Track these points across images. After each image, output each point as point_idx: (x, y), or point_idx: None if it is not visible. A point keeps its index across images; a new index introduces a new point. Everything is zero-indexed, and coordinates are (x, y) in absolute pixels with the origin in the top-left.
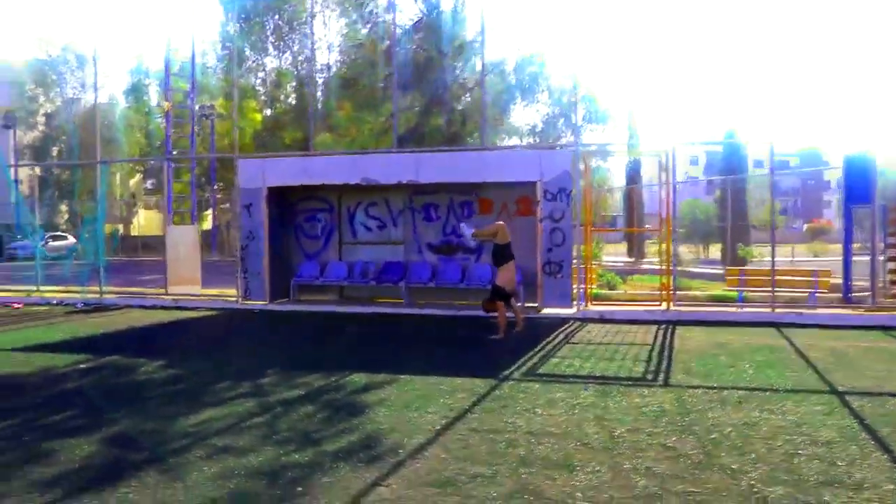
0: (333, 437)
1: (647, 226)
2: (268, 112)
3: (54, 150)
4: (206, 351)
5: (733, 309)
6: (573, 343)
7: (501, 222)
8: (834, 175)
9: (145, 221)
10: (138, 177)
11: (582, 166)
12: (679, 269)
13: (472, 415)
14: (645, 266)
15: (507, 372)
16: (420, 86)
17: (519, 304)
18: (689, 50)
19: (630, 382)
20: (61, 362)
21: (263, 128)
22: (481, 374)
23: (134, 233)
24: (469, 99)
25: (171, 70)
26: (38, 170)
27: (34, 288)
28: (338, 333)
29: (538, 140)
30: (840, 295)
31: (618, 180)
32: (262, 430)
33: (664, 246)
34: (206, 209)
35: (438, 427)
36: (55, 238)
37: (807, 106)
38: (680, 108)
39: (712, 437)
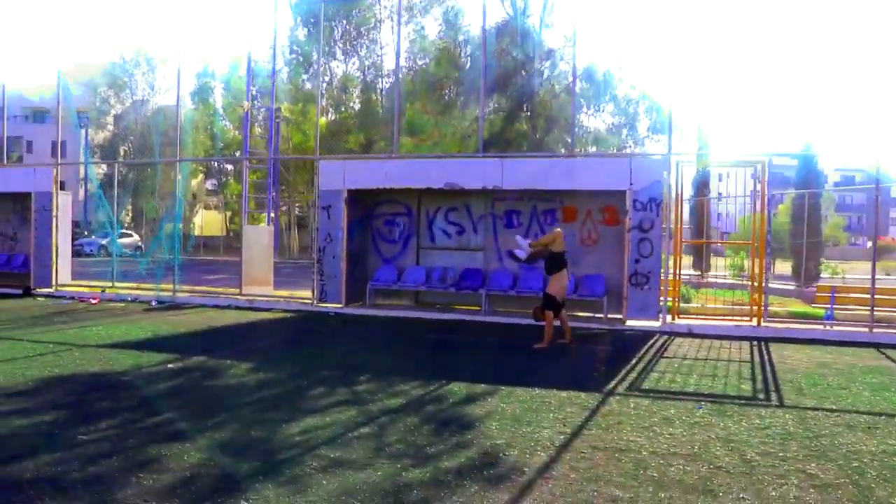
0: (450, 452)
1: (714, 238)
2: (331, 117)
3: (121, 150)
4: (290, 354)
5: (825, 327)
6: (667, 357)
7: (559, 229)
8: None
9: (205, 222)
10: (200, 177)
11: (672, 176)
12: (753, 284)
13: (588, 431)
14: (711, 279)
15: (609, 386)
16: (505, 90)
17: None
18: (755, 61)
19: (743, 401)
20: (149, 361)
21: (328, 132)
22: (583, 387)
23: (195, 233)
24: (552, 105)
25: (237, 73)
26: (104, 168)
27: (109, 284)
28: (421, 340)
29: (602, 148)
30: None
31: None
32: (372, 441)
33: (750, 261)
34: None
35: (558, 443)
36: (121, 236)
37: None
38: (746, 121)
39: (854, 465)
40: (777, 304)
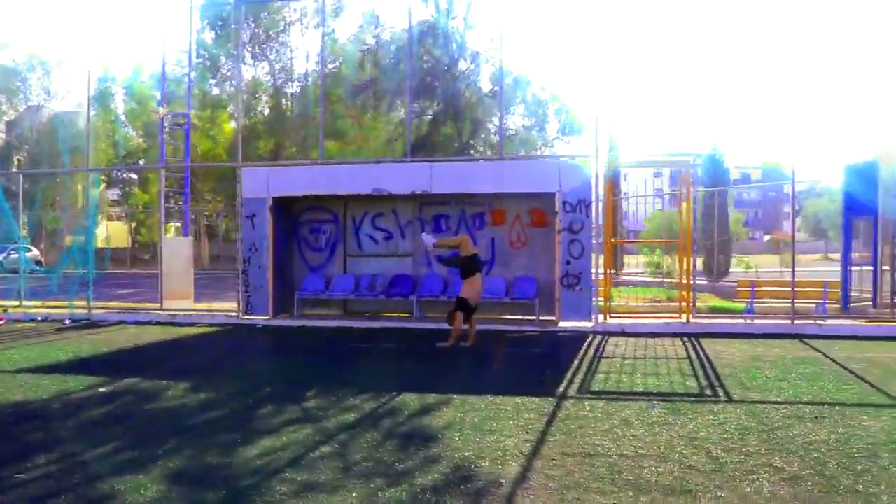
0: (421, 468)
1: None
2: (234, 124)
3: (15, 159)
4: (226, 371)
5: (746, 321)
6: (608, 358)
7: (465, 235)
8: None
9: (109, 233)
10: (102, 187)
11: (601, 177)
12: (668, 281)
13: (552, 437)
14: (624, 277)
15: (560, 389)
16: (429, 93)
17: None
18: (662, 62)
19: (693, 398)
20: (76, 385)
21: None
22: (534, 392)
23: (99, 244)
24: (478, 108)
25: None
26: None
27: (17, 303)
28: (356, 350)
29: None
30: (838, 305)
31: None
32: (337, 460)
33: (675, 258)
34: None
35: (526, 451)
36: (16, 251)
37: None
38: (651, 120)
39: (814, 455)
40: (697, 299)
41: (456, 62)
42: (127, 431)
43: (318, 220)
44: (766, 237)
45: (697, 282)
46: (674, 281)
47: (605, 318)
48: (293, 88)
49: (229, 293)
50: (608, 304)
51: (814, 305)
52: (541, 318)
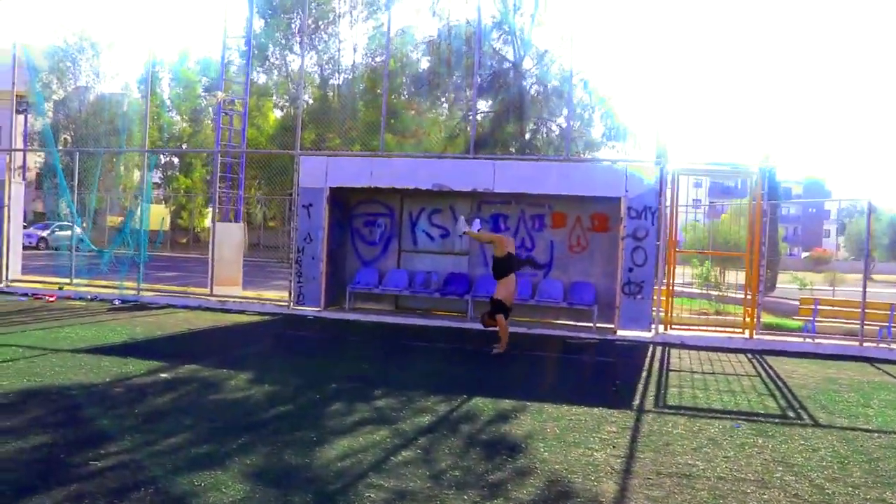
0: (514, 480)
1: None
2: (278, 113)
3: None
4: (286, 363)
5: (806, 340)
6: (675, 371)
7: (502, 235)
8: (834, 205)
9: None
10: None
11: (669, 184)
12: (716, 293)
13: (641, 454)
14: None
15: (636, 402)
16: (493, 90)
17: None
18: (712, 73)
19: (777, 420)
20: (137, 369)
21: (281, 127)
22: (610, 403)
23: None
24: (542, 107)
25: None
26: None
27: (67, 280)
28: (414, 348)
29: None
30: None
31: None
32: (422, 467)
33: (714, 270)
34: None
35: (617, 467)
36: (61, 228)
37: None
38: (699, 129)
39: None
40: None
41: (521, 59)
42: (197, 422)
43: (373, 213)
44: (805, 254)
45: (739, 296)
46: (722, 294)
47: (666, 329)
48: (339, 80)
49: (271, 281)
50: (669, 315)
51: (877, 328)
52: (598, 325)
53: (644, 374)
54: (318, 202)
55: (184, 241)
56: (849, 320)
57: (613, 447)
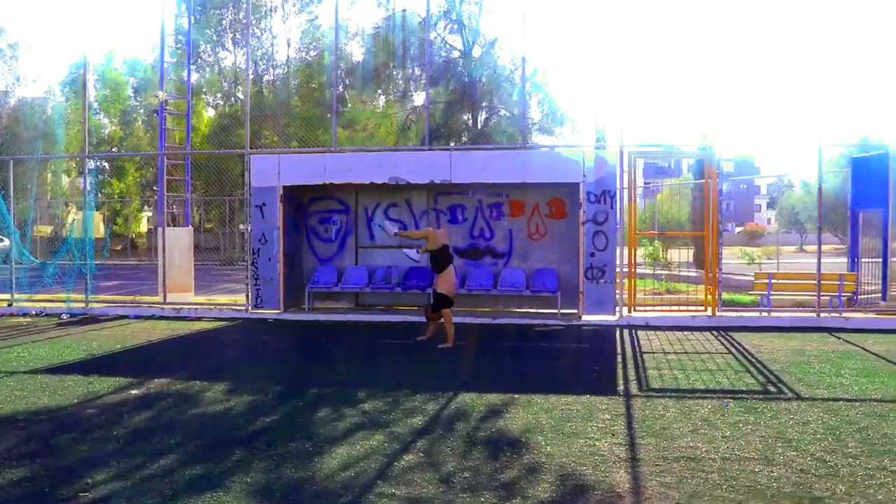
0: (526, 478)
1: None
2: (211, 112)
3: None
4: (257, 370)
5: (773, 314)
6: (648, 353)
7: (431, 228)
8: (765, 181)
9: (78, 224)
10: (73, 175)
11: (626, 167)
12: (666, 273)
13: (641, 440)
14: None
15: (619, 387)
16: (443, 80)
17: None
18: (647, 54)
19: (761, 396)
20: (103, 388)
21: (218, 126)
22: (595, 390)
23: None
24: (494, 95)
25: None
26: None
27: (8, 296)
28: (383, 346)
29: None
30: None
31: None
32: (430, 471)
33: (704, 250)
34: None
35: (622, 456)
36: None
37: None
38: (635, 111)
39: None
40: (691, 291)
41: (471, 48)
42: (183, 440)
43: (328, 210)
44: (738, 228)
45: (690, 274)
46: (672, 273)
47: (630, 312)
48: (273, 76)
49: (218, 284)
50: (632, 297)
51: (828, 298)
52: (563, 311)
53: (619, 358)
54: (271, 201)
55: (119, 247)
56: (800, 292)
57: (613, 435)
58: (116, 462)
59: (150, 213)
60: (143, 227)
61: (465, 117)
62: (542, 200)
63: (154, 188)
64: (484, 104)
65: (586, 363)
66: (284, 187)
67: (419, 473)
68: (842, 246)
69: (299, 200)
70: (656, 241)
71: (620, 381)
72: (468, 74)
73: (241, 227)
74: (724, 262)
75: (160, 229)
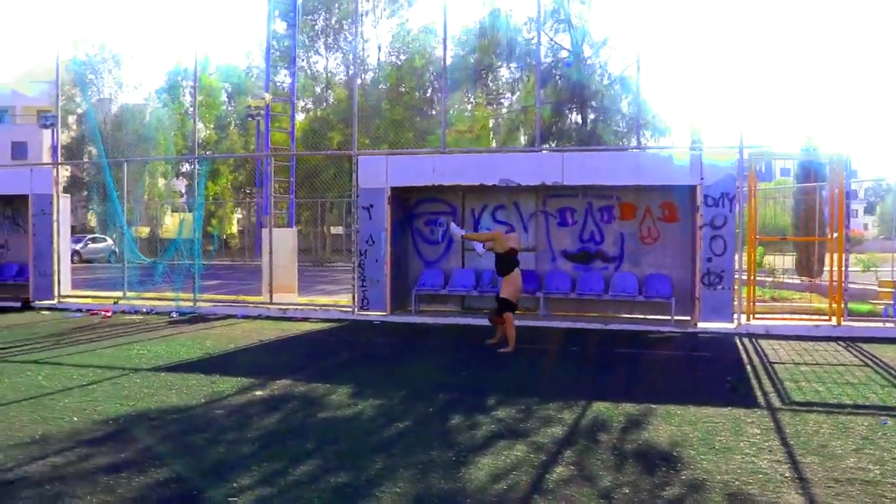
0: (692, 498)
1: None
2: (301, 116)
3: (90, 150)
4: (378, 373)
5: (886, 324)
6: (778, 363)
7: (499, 230)
8: (862, 185)
9: (174, 224)
10: (170, 178)
11: (749, 170)
12: (769, 279)
13: (802, 458)
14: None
15: (760, 400)
16: (554, 81)
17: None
18: (738, 55)
19: None
20: (226, 388)
21: (309, 129)
22: (734, 402)
23: (163, 235)
24: (603, 96)
25: (206, 70)
26: (69, 169)
27: (120, 294)
28: (499, 350)
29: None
30: None
31: None
32: (585, 485)
33: (834, 256)
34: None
35: (788, 475)
36: (94, 241)
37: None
38: (732, 113)
39: None
40: (794, 298)
41: (580, 48)
42: (320, 446)
43: (434, 212)
44: (835, 234)
45: (792, 281)
46: (777, 280)
47: (748, 319)
48: (366, 79)
49: (314, 286)
50: (751, 304)
51: None
52: (677, 318)
53: (748, 367)
54: (378, 203)
55: (210, 248)
56: None
57: (770, 452)
58: (257, 466)
59: (240, 215)
60: (235, 227)
61: (575, 118)
62: (654, 203)
63: (246, 190)
64: (592, 103)
65: (714, 373)
66: (392, 188)
67: (575, 488)
68: None
69: (405, 202)
70: (760, 248)
71: (759, 393)
72: (577, 74)
73: (333, 229)
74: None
75: (264, 230)
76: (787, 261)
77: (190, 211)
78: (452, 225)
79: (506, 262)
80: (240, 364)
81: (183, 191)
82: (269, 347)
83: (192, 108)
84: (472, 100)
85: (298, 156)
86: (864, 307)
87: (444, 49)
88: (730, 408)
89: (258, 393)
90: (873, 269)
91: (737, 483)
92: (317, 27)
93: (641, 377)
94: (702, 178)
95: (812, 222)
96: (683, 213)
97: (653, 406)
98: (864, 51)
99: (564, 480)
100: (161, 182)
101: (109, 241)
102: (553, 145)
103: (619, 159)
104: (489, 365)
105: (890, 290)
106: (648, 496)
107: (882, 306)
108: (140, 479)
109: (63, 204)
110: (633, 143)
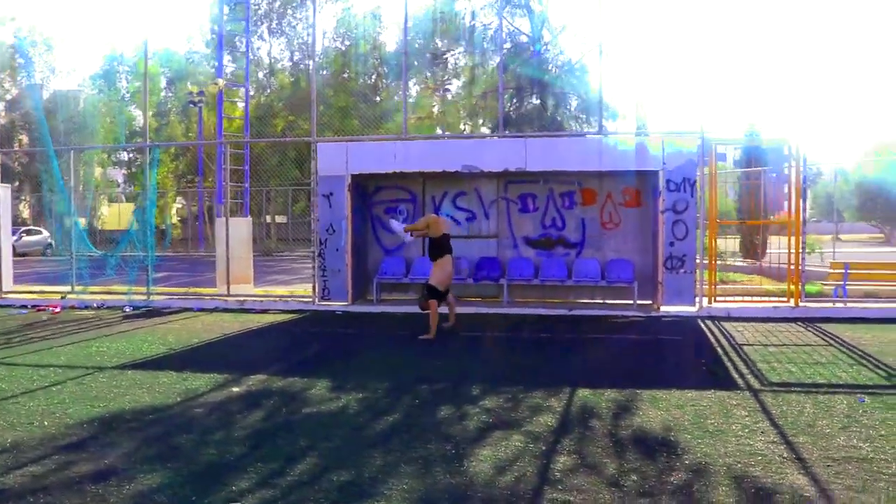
0: (698, 482)
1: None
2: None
3: (20, 139)
4: (353, 365)
5: (863, 305)
6: (746, 345)
7: (433, 215)
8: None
9: (110, 215)
10: (107, 168)
11: (710, 155)
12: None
13: (794, 438)
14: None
15: (739, 381)
16: (513, 67)
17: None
18: (685, 40)
19: (893, 391)
20: (200, 385)
21: (254, 116)
22: (715, 384)
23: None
24: (562, 82)
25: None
26: None
27: (68, 289)
28: (468, 338)
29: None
30: None
31: None
32: (592, 475)
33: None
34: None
35: (787, 456)
36: (28, 233)
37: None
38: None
39: None
40: (741, 280)
41: (539, 33)
42: (312, 443)
43: (394, 199)
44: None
45: (738, 264)
46: (727, 263)
47: (710, 303)
48: (309, 66)
49: (266, 276)
50: (713, 287)
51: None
52: (639, 302)
53: (719, 350)
54: (339, 190)
55: (163, 240)
56: (881, 282)
57: (762, 433)
58: (253, 467)
59: (179, 205)
60: (175, 218)
61: (535, 102)
62: (615, 189)
63: (188, 178)
64: (552, 89)
65: (686, 356)
66: (353, 176)
67: (584, 477)
68: (880, 235)
69: (364, 189)
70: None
71: (736, 375)
72: (536, 60)
73: (277, 217)
74: (771, 251)
75: (219, 220)
76: (731, 244)
77: (128, 201)
78: (393, 223)
79: (438, 246)
80: (208, 359)
81: (120, 181)
82: (235, 341)
83: (127, 95)
84: (428, 85)
85: (253, 143)
86: (814, 288)
87: (405, 32)
88: (713, 390)
89: (235, 389)
90: (818, 251)
91: (739, 465)
92: (260, 11)
93: (618, 362)
94: (664, 164)
95: (756, 207)
96: (646, 198)
97: (637, 391)
98: (813, 41)
99: (570, 470)
100: (98, 171)
101: (45, 234)
102: (513, 132)
103: (581, 145)
104: (462, 354)
105: (840, 271)
106: (655, 482)
107: (832, 287)
108: (131, 487)
109: (3, 194)
110: (595, 129)
